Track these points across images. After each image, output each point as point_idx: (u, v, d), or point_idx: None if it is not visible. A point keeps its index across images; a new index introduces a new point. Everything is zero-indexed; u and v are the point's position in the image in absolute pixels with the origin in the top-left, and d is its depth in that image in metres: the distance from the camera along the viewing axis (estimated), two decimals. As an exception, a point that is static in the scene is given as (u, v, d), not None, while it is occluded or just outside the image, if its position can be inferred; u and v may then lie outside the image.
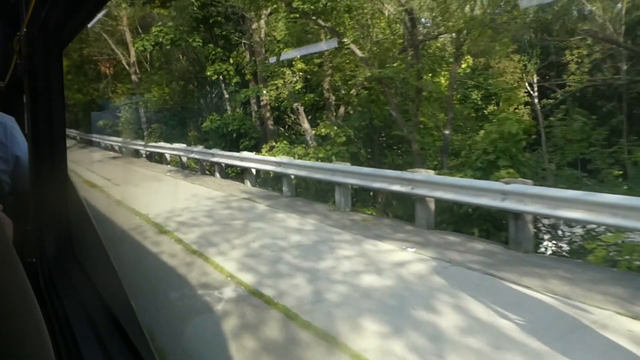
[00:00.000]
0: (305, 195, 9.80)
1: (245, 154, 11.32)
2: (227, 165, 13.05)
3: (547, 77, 15.26)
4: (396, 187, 7.26)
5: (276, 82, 9.73)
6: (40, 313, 0.47)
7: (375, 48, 9.05)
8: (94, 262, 1.36)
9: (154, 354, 0.99)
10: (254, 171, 11.33)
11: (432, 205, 7.09)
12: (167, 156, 17.12)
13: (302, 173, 9.19)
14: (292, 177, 9.81)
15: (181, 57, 20.50)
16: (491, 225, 7.02)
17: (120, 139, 22.74)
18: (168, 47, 14.22)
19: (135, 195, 11.02)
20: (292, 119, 10.47)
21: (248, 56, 13.00)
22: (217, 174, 12.87)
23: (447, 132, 8.86)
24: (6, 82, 2.04)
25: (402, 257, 5.88)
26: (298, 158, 9.89)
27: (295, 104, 10.00)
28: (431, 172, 7.23)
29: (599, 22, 14.63)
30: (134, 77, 19.36)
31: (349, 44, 8.70)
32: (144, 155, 19.58)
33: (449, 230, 7.25)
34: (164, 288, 5.04)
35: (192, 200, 9.97)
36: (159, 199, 10.52)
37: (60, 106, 1.36)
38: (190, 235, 7.09)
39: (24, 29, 1.22)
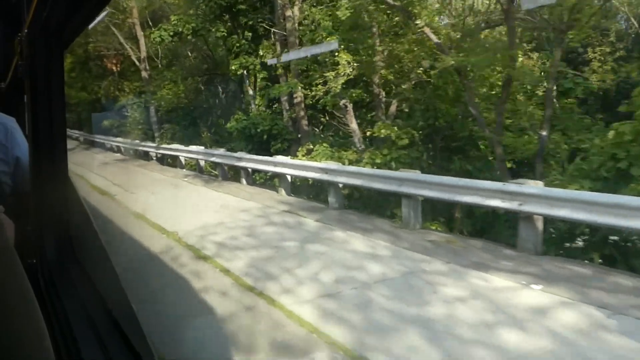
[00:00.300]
0: (357, 208, 8.35)
1: (280, 158, 9.87)
2: (254, 171, 11.61)
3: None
4: (495, 202, 5.82)
5: (327, 74, 8.25)
6: (40, 314, 0.48)
7: (455, 32, 7.59)
8: (94, 262, 1.32)
9: (154, 355, 0.96)
10: (289, 178, 9.87)
11: (539, 225, 5.65)
12: (182, 159, 15.66)
13: (357, 182, 7.73)
14: (340, 185, 8.36)
15: (190, 54, 19.09)
16: (616, 250, 5.57)
17: (127, 140, 21.28)
18: (189, 36, 12.76)
19: (154, 205, 9.56)
20: (337, 118, 9.01)
21: (279, 48, 11.54)
22: (244, 181, 11.42)
23: (544, 133, 7.37)
24: (7, 82, 2.01)
25: (533, 298, 4.41)
26: (349, 164, 8.45)
27: (343, 101, 8.56)
28: (539, 183, 5.79)
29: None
30: (144, 74, 17.93)
31: (422, 27, 7.24)
32: (155, 158, 18.12)
33: (559, 257, 5.79)
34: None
35: (224, 212, 8.52)
36: (183, 210, 9.06)
37: (60, 107, 1.31)
38: (237, 263, 5.63)
39: (25, 30, 1.22)
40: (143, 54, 17.67)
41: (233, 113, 15.23)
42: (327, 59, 8.81)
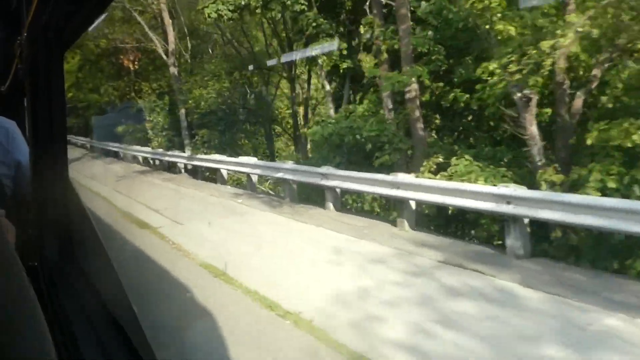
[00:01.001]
0: (558, 256, 5.34)
1: (403, 177, 6.85)
2: (344, 192, 8.59)
3: None
4: None
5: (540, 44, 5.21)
6: (42, 316, 0.49)
7: None
8: (95, 265, 1.33)
9: (155, 357, 0.97)
10: (412, 205, 6.84)
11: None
12: (224, 173, 12.63)
13: (585, 219, 4.69)
14: (526, 222, 5.35)
15: (223, 43, 16.06)
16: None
17: (147, 149, 18.26)
18: (258, 11, 9.80)
19: (225, 247, 6.52)
20: (509, 118, 5.98)
21: (377, 23, 8.50)
22: (331, 206, 8.37)
23: None
24: (7, 85, 2.00)
25: None
26: (547, 187, 5.42)
27: (525, 92, 5.56)
28: None
29: None
30: (172, 70, 14.94)
31: None
32: (183, 170, 15.11)
33: None
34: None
35: (347, 264, 5.49)
36: (274, 258, 6.01)
37: (61, 109, 1.30)
38: None
39: (25, 33, 1.23)
40: (171, 46, 14.70)
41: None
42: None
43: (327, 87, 9.65)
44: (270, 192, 11.29)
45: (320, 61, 9.60)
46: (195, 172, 14.64)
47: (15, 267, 0.47)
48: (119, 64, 19.93)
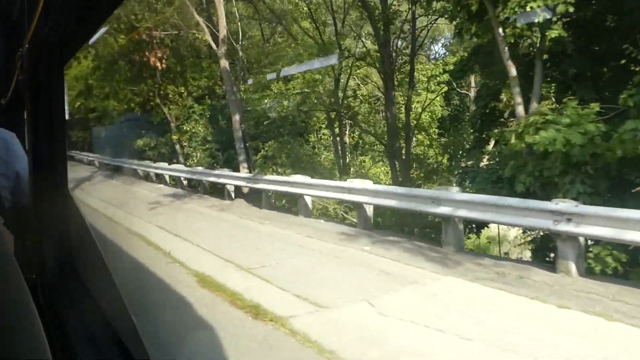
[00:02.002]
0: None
1: None
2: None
3: None
4: None
5: None
6: (42, 328, 0.49)
7: None
8: (95, 278, 1.29)
9: None
10: None
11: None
12: (308, 201, 9.06)
13: None
14: None
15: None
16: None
17: (181, 167, 14.66)
18: None
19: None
20: None
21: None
22: (572, 268, 4.80)
23: None
24: (7, 98, 1.98)
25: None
26: None
27: None
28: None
29: None
30: (223, 64, 11.40)
31: None
32: (233, 194, 11.53)
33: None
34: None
35: None
36: None
37: (61, 122, 1.31)
38: None
39: (26, 45, 1.22)
40: (222, 32, 11.19)
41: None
42: None
43: (513, 72, 6.16)
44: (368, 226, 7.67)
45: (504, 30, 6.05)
46: (254, 198, 11.06)
47: (15, 278, 0.47)
48: (141, 63, 16.44)
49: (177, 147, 17.65)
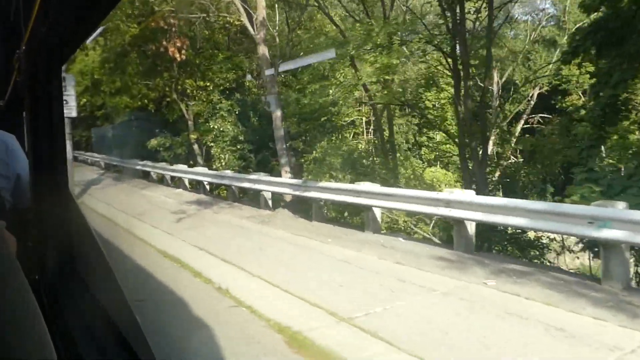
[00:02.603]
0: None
1: None
2: None
3: None
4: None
5: None
6: (46, 328, 0.50)
7: None
8: (97, 278, 1.28)
9: None
10: None
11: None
12: (378, 214, 7.42)
13: None
14: None
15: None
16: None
17: (203, 170, 12.98)
18: None
19: None
20: None
21: None
22: None
23: None
24: (6, 99, 2.01)
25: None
26: None
27: None
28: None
29: None
30: (262, 50, 9.72)
31: None
32: (270, 202, 9.90)
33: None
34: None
35: None
36: None
37: (61, 123, 1.30)
38: None
39: (24, 47, 1.23)
40: (261, 14, 9.51)
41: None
42: None
43: None
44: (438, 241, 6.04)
45: None
46: (298, 208, 9.41)
47: (19, 279, 0.47)
48: (156, 54, 14.78)
49: (195, 147, 16.00)
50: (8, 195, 1.51)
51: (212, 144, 12.33)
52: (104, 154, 24.85)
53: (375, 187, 7.38)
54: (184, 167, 14.69)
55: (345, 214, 9.06)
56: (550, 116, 18.94)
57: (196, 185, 15.16)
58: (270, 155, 10.63)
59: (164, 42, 13.44)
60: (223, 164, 11.98)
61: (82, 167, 26.33)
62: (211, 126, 12.30)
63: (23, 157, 1.56)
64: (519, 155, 19.07)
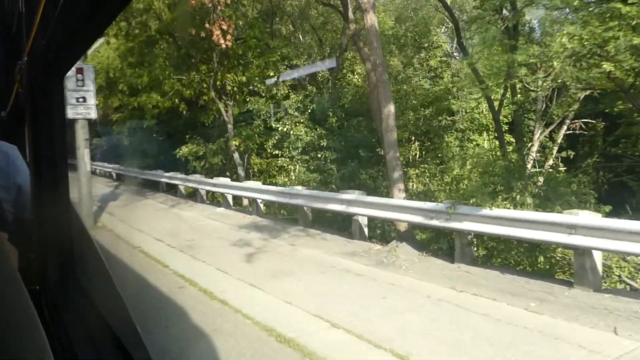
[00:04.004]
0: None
1: None
2: None
3: None
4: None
5: None
6: (46, 339, 0.49)
7: None
8: (99, 288, 1.29)
9: None
10: None
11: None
12: (598, 260, 4.60)
13: None
14: None
15: None
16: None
17: (256, 185, 10.19)
18: None
19: None
20: None
21: None
22: None
23: None
24: (7, 110, 2.02)
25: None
26: None
27: None
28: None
29: None
30: (370, 19, 6.95)
31: None
32: (364, 229, 7.12)
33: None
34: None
35: None
36: None
37: (62, 134, 1.30)
38: None
39: (25, 58, 1.25)
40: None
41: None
42: None
43: None
44: None
45: None
46: (421, 243, 6.60)
47: (19, 290, 0.47)
48: (193, 43, 12.06)
49: (236, 156, 13.22)
50: (9, 206, 1.51)
51: (275, 152, 9.53)
52: (116, 164, 22.14)
53: (598, 220, 4.60)
54: (226, 180, 11.92)
55: (480, 249, 6.25)
56: (594, 121, 16.36)
57: (240, 203, 12.39)
58: (359, 167, 7.88)
59: (207, 25, 10.71)
60: (292, 178, 9.18)
61: (92, 178, 23.59)
62: (281, 129, 9.45)
63: (24, 168, 1.55)
64: (560, 164, 16.39)
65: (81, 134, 10.29)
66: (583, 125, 17.25)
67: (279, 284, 5.59)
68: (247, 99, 11.81)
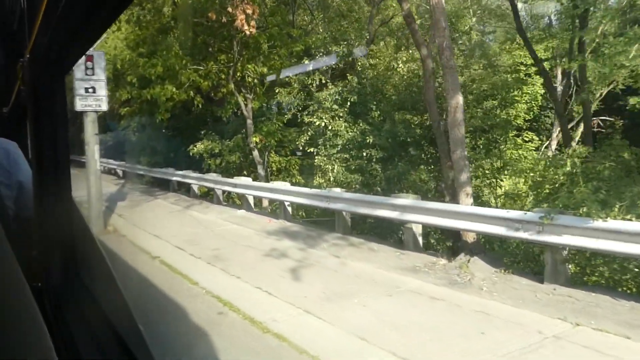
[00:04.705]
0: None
1: None
2: None
3: None
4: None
5: None
6: (49, 337, 0.49)
7: None
8: (101, 286, 1.28)
9: None
10: None
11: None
12: None
13: None
14: None
15: None
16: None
17: (285, 186, 9.18)
18: None
19: None
20: None
21: None
22: None
23: None
24: (9, 108, 2.00)
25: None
26: None
27: None
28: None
29: None
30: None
31: None
32: (418, 238, 6.12)
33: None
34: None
35: None
36: None
37: (64, 131, 1.29)
38: None
39: (27, 55, 1.23)
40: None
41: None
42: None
43: None
44: None
45: None
46: (496, 257, 5.60)
47: (20, 285, 0.46)
48: (211, 30, 11.03)
49: (255, 154, 12.20)
50: (10, 203, 1.50)
51: (308, 149, 8.48)
52: (121, 161, 21.12)
53: None
54: (247, 180, 10.91)
55: (570, 266, 5.24)
56: (612, 119, 15.33)
57: (259, 205, 11.40)
58: (409, 167, 6.86)
59: (229, 9, 9.67)
60: (330, 178, 8.13)
61: (103, 176, 22.47)
62: (317, 123, 8.38)
63: (26, 164, 1.55)
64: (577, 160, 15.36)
65: (90, 128, 9.26)
66: (601, 123, 16.27)
67: (340, 310, 4.58)
68: (277, 90, 10.73)
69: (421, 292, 5.02)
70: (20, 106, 1.74)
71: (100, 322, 1.14)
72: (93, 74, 9.38)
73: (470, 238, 5.92)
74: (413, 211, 6.35)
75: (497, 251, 5.91)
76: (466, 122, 6.68)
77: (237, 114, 13.00)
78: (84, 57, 9.29)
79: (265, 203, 11.86)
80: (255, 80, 12.00)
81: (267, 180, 11.75)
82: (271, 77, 12.42)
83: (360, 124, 8.04)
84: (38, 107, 1.23)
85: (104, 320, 1.13)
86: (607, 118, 15.54)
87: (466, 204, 5.96)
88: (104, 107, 9.54)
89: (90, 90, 9.31)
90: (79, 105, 9.07)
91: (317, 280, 5.60)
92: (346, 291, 5.15)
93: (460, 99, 5.87)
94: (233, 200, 13.49)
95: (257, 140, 11.66)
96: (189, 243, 7.83)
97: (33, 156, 1.31)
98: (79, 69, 9.18)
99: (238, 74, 11.52)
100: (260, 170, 12.22)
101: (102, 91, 9.41)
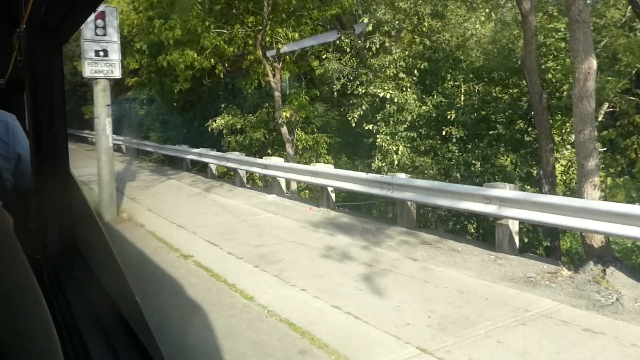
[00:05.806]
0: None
1: None
2: None
3: None
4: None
5: None
6: (46, 308, 0.49)
7: None
8: (98, 258, 1.30)
9: (161, 351, 0.94)
10: None
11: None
12: None
13: None
14: None
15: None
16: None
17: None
18: None
19: None
20: None
21: None
22: None
23: None
24: (6, 79, 1.99)
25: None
26: None
27: None
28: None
29: None
30: None
31: None
32: (515, 237, 4.86)
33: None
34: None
35: None
36: None
37: (61, 102, 1.32)
38: None
39: (23, 26, 1.23)
40: None
41: None
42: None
43: None
44: None
45: None
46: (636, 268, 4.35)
47: (18, 256, 0.46)
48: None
49: (284, 131, 10.84)
50: (9, 175, 1.51)
51: (370, 127, 7.09)
52: (126, 136, 19.67)
53: None
54: (279, 160, 9.58)
55: None
56: (634, 98, 13.92)
57: (290, 189, 10.09)
58: (496, 150, 5.54)
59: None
60: (395, 161, 6.79)
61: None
62: (383, 95, 6.94)
63: (24, 137, 1.54)
64: (599, 144, 13.96)
65: (101, 98, 7.87)
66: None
67: (469, 348, 3.32)
68: (325, 56, 9.27)
69: (565, 320, 3.76)
70: (17, 77, 1.62)
71: (98, 294, 1.11)
72: (105, 34, 7.92)
73: (597, 242, 4.64)
74: (516, 205, 5.05)
75: (636, 260, 4.64)
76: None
77: (262, 86, 11.55)
78: (94, 15, 7.82)
79: (294, 186, 10.57)
80: (286, 41, 10.52)
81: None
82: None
83: (435, 96, 6.65)
84: (35, 78, 1.22)
85: (102, 292, 1.10)
86: (633, 98, 14.15)
87: (592, 198, 4.67)
88: (117, 73, 8.15)
89: (102, 53, 7.86)
90: (88, 71, 7.66)
91: (408, 296, 4.33)
92: (458, 315, 3.89)
93: (593, 62, 4.50)
94: (254, 182, 12.19)
95: (287, 114, 10.26)
96: (223, 237, 6.55)
97: (30, 128, 1.28)
98: (88, 28, 7.72)
99: (268, 39, 10.03)
100: (290, 149, 10.87)
101: (115, 55, 8.00)
